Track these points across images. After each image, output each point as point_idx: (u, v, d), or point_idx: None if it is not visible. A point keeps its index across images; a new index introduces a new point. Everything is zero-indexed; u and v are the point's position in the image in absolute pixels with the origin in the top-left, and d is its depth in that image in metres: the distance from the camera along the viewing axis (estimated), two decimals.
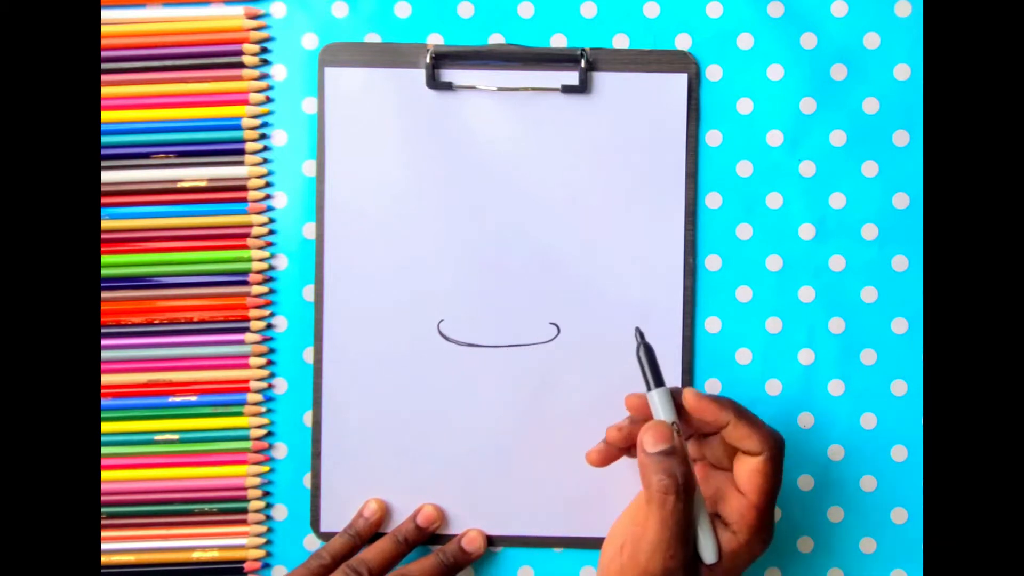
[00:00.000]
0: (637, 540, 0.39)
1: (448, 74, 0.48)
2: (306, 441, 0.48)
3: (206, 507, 0.48)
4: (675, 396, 0.41)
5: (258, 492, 0.48)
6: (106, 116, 0.48)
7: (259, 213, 0.48)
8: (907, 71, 0.49)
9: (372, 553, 0.46)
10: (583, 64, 0.47)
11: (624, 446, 0.43)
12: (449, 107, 0.48)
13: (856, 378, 0.49)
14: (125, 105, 0.48)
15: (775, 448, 0.39)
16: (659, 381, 0.41)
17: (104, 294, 0.48)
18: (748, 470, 0.40)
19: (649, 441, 0.39)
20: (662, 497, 0.38)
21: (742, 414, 0.40)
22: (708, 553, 0.39)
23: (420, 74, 0.48)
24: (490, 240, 0.48)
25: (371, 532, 0.47)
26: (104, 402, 0.48)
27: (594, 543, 0.48)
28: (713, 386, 0.48)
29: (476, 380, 0.48)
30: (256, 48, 0.48)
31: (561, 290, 0.48)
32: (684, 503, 0.38)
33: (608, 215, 0.48)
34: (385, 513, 0.48)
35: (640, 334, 0.42)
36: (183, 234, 0.48)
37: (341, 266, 0.48)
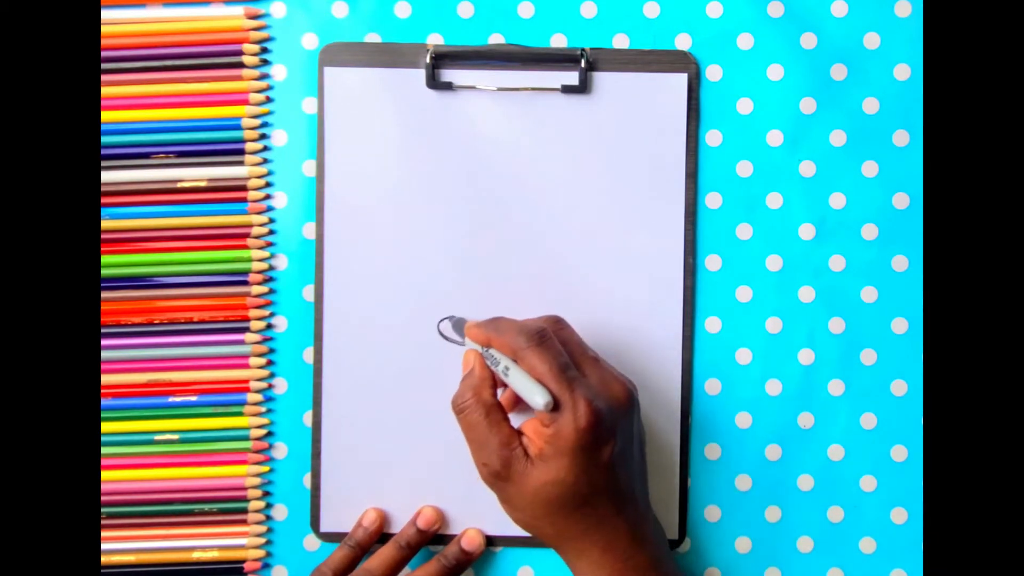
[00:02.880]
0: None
1: (448, 74, 0.48)
2: (306, 441, 0.48)
3: (206, 507, 0.48)
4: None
5: (258, 492, 0.48)
6: (106, 116, 0.48)
7: (259, 213, 0.48)
8: (907, 71, 0.49)
9: (376, 562, 0.46)
10: (583, 64, 0.47)
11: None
12: (449, 107, 0.48)
13: (856, 378, 0.49)
14: (125, 105, 0.48)
15: (522, 346, 0.40)
16: (462, 334, 0.45)
17: (104, 294, 0.48)
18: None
19: (462, 370, 0.43)
20: (457, 415, 0.42)
21: (497, 328, 0.42)
22: (536, 399, 0.39)
23: (420, 74, 0.48)
24: (490, 240, 0.48)
25: (371, 541, 0.47)
26: (104, 402, 0.48)
27: None
28: (713, 386, 0.49)
29: None
30: (256, 48, 0.48)
31: (561, 289, 0.48)
32: (475, 415, 0.41)
33: (608, 215, 0.48)
34: (384, 521, 0.48)
35: (439, 323, 0.48)
36: (183, 234, 0.48)
37: (341, 266, 0.48)
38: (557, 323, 0.43)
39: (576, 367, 0.41)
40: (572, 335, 0.43)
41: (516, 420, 0.43)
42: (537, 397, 0.39)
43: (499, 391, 0.43)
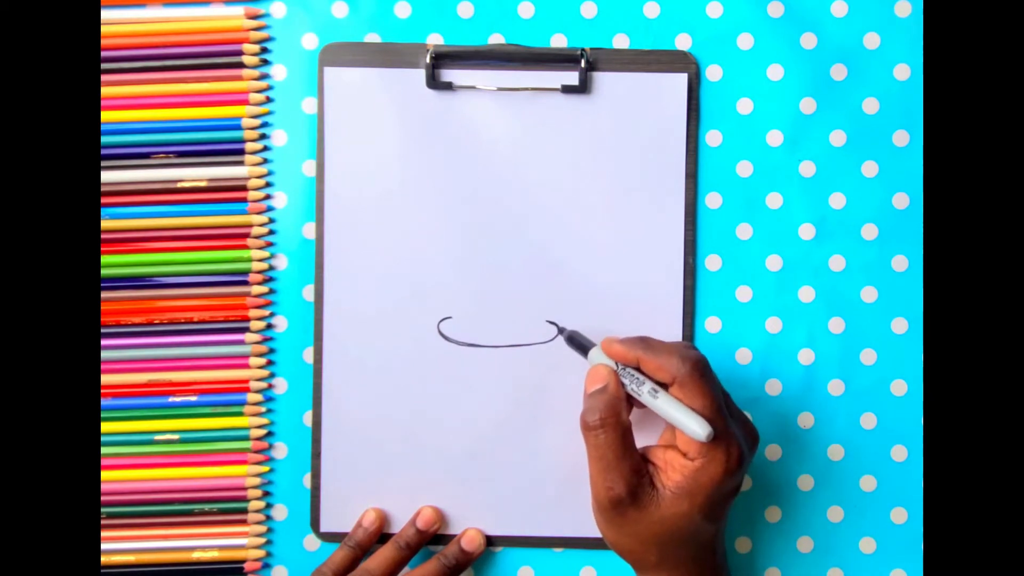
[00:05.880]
0: (589, 477, 0.41)
1: (448, 74, 0.48)
2: (306, 441, 0.48)
3: (206, 507, 0.48)
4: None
5: (258, 492, 0.48)
6: (106, 116, 0.48)
7: (259, 213, 0.48)
8: (907, 71, 0.49)
9: (375, 563, 0.46)
10: (583, 64, 0.47)
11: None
12: (449, 107, 0.48)
13: (856, 378, 0.49)
14: (125, 105, 0.48)
15: (685, 373, 0.39)
16: (590, 345, 0.43)
17: (104, 294, 0.48)
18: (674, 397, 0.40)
19: (587, 384, 0.42)
20: (586, 432, 0.40)
21: (651, 348, 0.40)
22: (697, 430, 0.38)
23: (420, 74, 0.48)
24: (490, 240, 0.48)
25: (371, 542, 0.47)
26: (104, 402, 0.48)
27: (594, 543, 0.48)
28: None
29: (476, 380, 0.48)
30: (256, 48, 0.48)
31: (561, 290, 0.48)
32: (609, 436, 0.39)
33: (608, 215, 0.48)
34: (384, 521, 0.48)
35: (557, 328, 0.47)
36: (183, 234, 0.48)
37: (341, 266, 0.48)
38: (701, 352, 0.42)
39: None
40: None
41: None
42: (697, 428, 0.38)
43: None
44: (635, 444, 0.40)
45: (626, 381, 0.41)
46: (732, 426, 0.39)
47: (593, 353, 0.43)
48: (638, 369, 0.41)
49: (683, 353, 0.40)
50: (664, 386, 0.40)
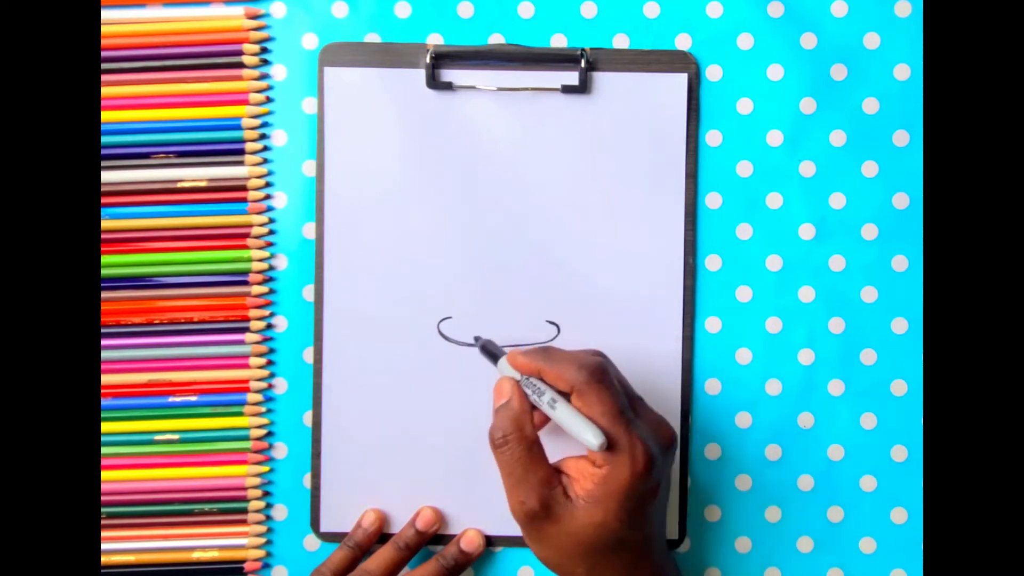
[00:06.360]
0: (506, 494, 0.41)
1: (448, 74, 0.48)
2: (306, 441, 0.48)
3: (206, 507, 0.48)
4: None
5: (258, 492, 0.48)
6: (106, 116, 0.48)
7: (259, 213, 0.48)
8: (907, 71, 0.49)
9: (375, 563, 0.46)
10: (583, 64, 0.47)
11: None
12: (449, 107, 0.48)
13: (856, 378, 0.49)
14: (125, 105, 0.48)
15: (582, 381, 0.39)
16: (500, 354, 0.43)
17: (104, 294, 0.48)
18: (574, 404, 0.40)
19: (494, 398, 0.42)
20: (493, 449, 0.40)
21: (550, 358, 0.40)
22: (590, 439, 0.38)
23: (420, 74, 0.48)
24: (490, 240, 0.48)
25: (371, 542, 0.47)
26: (104, 402, 0.48)
27: None
28: (713, 386, 0.48)
29: (476, 380, 0.48)
30: (256, 48, 0.48)
31: (561, 290, 0.48)
32: (515, 451, 0.39)
33: (608, 215, 0.48)
34: (384, 522, 0.48)
35: (475, 339, 0.47)
36: (183, 234, 0.48)
37: (341, 266, 0.48)
38: (605, 359, 0.42)
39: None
40: (618, 372, 0.42)
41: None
42: (590, 437, 0.38)
43: None
44: (545, 456, 0.40)
45: (529, 392, 0.41)
46: (637, 429, 0.39)
47: (501, 364, 0.43)
48: (542, 380, 0.41)
49: (581, 361, 0.39)
50: (566, 396, 0.40)
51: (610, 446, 0.38)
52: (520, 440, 0.39)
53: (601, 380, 0.39)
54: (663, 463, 0.40)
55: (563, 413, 0.39)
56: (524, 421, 0.40)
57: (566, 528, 0.39)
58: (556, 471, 0.40)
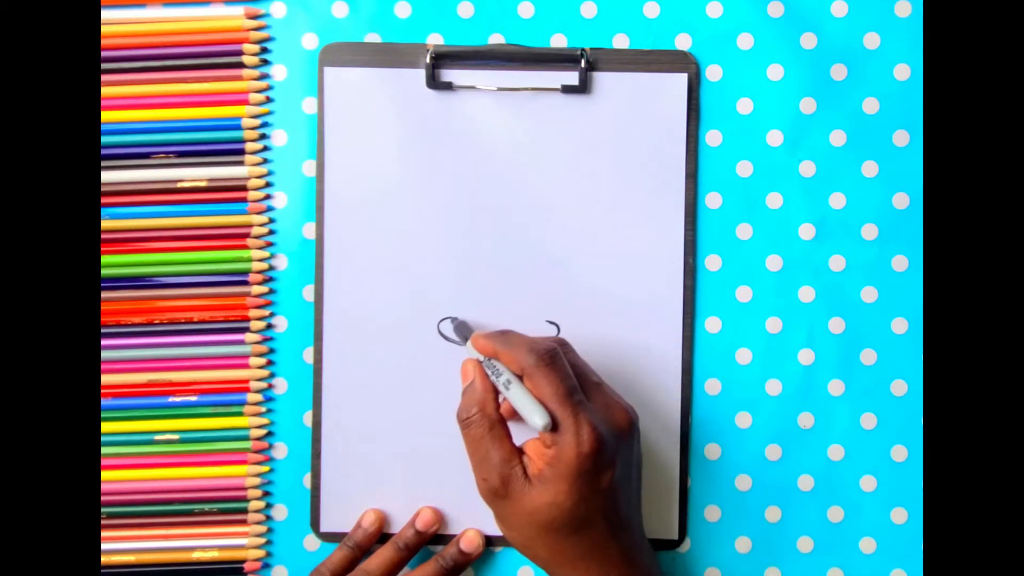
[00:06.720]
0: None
1: (448, 74, 0.48)
2: (306, 441, 0.48)
3: (206, 507, 0.48)
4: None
5: (258, 492, 0.48)
6: (106, 116, 0.48)
7: (259, 213, 0.48)
8: (907, 71, 0.49)
9: (374, 563, 0.46)
10: (583, 64, 0.47)
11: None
12: (449, 107, 0.48)
13: (856, 378, 0.49)
14: (125, 105, 0.48)
15: (531, 364, 0.40)
16: (466, 338, 0.44)
17: (104, 294, 0.48)
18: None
19: (462, 379, 0.43)
20: (460, 428, 0.41)
21: (506, 341, 0.41)
22: (536, 420, 0.39)
23: (420, 74, 0.48)
24: (490, 240, 0.48)
25: (370, 543, 0.47)
26: (104, 402, 0.48)
27: None
28: (713, 386, 0.49)
29: None
30: (256, 48, 0.48)
31: (561, 290, 0.48)
32: (478, 430, 0.40)
33: (608, 215, 0.48)
34: (383, 522, 0.48)
35: (451, 319, 0.47)
36: (183, 234, 0.48)
37: (341, 266, 0.48)
38: (564, 345, 0.43)
39: (581, 391, 0.40)
40: (577, 358, 0.43)
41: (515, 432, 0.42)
42: (536, 417, 0.39)
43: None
44: (508, 435, 0.41)
45: (489, 373, 0.42)
46: (586, 411, 0.39)
47: (468, 346, 0.44)
48: (500, 362, 0.42)
49: (533, 345, 0.40)
50: (520, 378, 0.41)
51: (556, 427, 0.39)
52: (483, 419, 0.41)
53: (550, 363, 0.40)
54: (616, 445, 0.40)
55: (515, 394, 0.40)
56: (487, 401, 0.41)
57: (525, 507, 0.40)
58: (519, 451, 0.41)
